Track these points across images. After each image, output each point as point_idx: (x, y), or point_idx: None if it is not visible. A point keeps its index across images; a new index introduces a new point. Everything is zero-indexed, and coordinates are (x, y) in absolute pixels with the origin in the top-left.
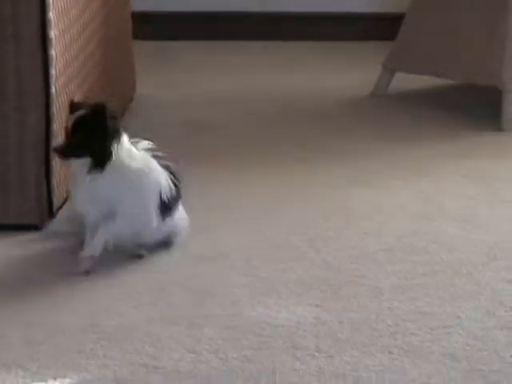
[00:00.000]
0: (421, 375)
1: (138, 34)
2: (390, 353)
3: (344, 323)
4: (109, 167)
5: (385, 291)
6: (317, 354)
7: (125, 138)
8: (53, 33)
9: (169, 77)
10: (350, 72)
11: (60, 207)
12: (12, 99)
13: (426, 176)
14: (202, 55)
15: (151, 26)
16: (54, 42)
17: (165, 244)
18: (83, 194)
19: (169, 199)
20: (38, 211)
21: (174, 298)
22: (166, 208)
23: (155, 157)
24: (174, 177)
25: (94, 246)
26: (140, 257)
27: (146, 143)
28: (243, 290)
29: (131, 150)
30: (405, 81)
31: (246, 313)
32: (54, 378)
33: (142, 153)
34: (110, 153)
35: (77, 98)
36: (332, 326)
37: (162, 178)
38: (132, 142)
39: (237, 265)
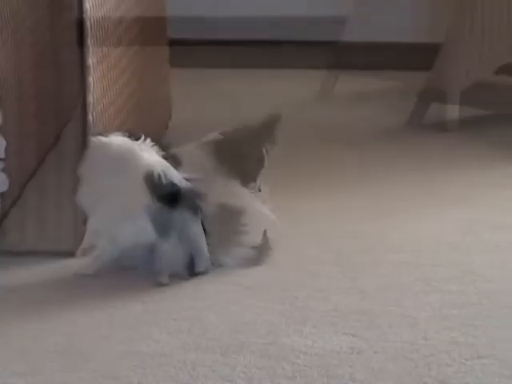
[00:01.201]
0: None
1: (175, 62)
2: None
3: (379, 353)
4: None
5: (420, 321)
6: None
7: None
8: (90, 61)
9: (205, 104)
10: (385, 101)
11: None
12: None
13: (463, 206)
14: (238, 83)
15: (188, 54)
16: (91, 69)
17: (192, 268)
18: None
19: (172, 190)
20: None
21: (209, 325)
22: (169, 197)
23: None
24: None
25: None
26: (163, 285)
27: (149, 141)
28: (279, 318)
29: (119, 139)
30: (440, 110)
31: (281, 341)
32: None
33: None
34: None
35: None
36: (367, 356)
37: (152, 160)
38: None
39: (272, 293)
